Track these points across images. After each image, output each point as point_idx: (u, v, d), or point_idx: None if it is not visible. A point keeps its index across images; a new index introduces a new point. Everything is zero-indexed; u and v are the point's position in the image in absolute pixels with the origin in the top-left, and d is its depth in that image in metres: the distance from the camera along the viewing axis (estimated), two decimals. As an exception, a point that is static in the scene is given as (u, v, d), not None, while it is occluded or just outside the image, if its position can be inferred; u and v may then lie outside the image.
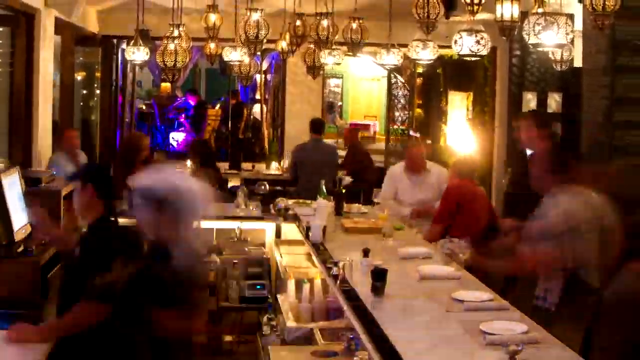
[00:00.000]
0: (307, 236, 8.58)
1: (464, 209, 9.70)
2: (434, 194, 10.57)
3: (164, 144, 23.50)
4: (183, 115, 24.35)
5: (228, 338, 10.03)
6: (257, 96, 24.93)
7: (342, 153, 15.42)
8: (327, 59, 12.08)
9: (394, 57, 11.30)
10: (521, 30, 7.48)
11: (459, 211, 9.64)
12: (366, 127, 29.06)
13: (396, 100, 21.21)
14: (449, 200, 9.79)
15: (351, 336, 6.54)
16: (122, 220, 5.98)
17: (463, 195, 9.87)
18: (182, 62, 10.11)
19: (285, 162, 15.36)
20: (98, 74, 16.46)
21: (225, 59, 12.13)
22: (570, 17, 7.39)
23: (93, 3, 13.99)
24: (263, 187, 11.82)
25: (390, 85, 21.28)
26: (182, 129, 24.19)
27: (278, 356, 6.74)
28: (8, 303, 5.11)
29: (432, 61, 10.64)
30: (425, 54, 10.28)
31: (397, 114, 21.25)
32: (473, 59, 8.94)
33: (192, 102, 24.51)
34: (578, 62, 12.59)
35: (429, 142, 18.13)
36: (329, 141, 16.04)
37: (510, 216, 10.97)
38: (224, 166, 15.31)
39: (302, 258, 9.32)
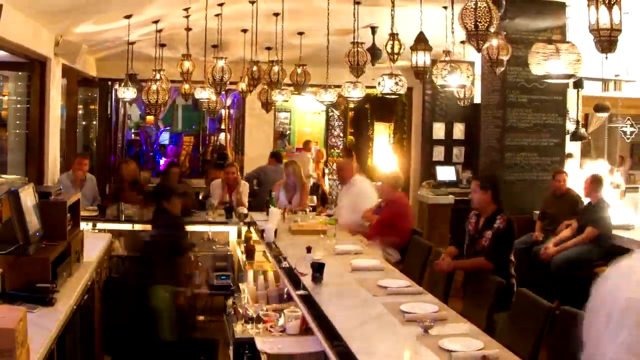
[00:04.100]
0: (262, 237, 8.58)
1: (407, 217, 9.67)
2: (356, 199, 10.55)
3: (148, 165, 23.34)
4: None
5: (201, 318, 10.00)
6: (223, 126, 24.87)
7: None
8: (278, 97, 12.14)
9: (330, 95, 11.35)
10: (432, 74, 7.54)
11: (402, 220, 9.58)
12: (309, 151, 29.15)
13: (333, 129, 21.40)
14: (396, 209, 9.55)
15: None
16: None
17: (406, 205, 9.86)
18: (163, 99, 10.14)
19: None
20: (95, 108, 16.33)
21: (197, 97, 12.19)
22: (471, 63, 7.46)
23: (92, 53, 13.89)
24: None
25: (328, 117, 21.45)
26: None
27: (240, 332, 6.72)
28: (25, 289, 5.15)
29: (360, 98, 10.69)
30: (355, 92, 10.35)
31: (333, 140, 21.46)
32: (393, 96, 8.99)
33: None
34: (477, 99, 12.74)
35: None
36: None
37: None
38: (198, 182, 15.27)
39: (259, 254, 9.30)
